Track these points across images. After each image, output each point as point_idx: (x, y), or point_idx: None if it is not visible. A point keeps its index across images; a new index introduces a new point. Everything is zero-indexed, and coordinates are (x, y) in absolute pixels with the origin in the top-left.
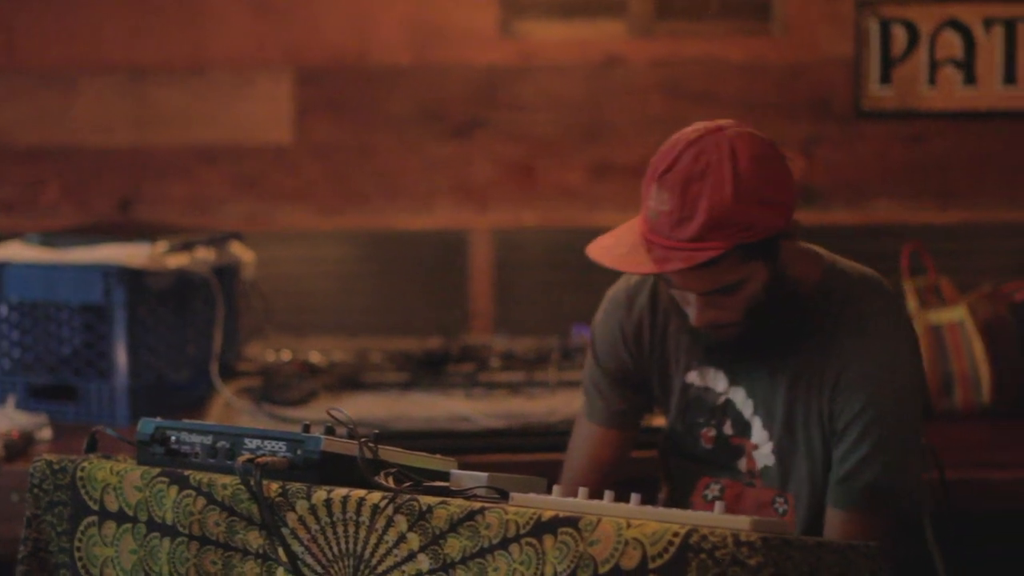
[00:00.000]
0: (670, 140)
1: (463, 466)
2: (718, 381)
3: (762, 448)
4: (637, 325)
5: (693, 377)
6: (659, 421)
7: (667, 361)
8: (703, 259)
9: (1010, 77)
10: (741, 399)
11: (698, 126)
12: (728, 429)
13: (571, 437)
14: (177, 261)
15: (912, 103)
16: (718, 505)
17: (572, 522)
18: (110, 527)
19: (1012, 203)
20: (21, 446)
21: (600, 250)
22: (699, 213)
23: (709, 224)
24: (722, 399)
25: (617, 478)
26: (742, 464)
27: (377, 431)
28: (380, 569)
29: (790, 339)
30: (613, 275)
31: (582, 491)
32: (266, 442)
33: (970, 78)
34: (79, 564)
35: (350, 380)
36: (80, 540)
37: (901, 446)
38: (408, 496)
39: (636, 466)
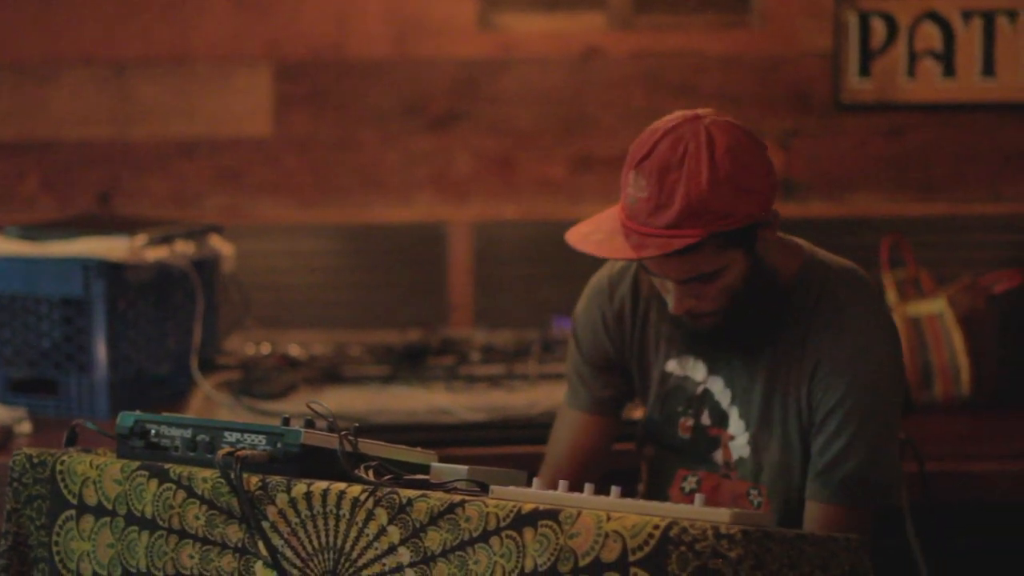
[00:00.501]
0: (649, 128)
1: (443, 459)
2: (697, 370)
3: (738, 439)
4: (618, 313)
5: (672, 366)
6: (639, 414)
7: (647, 349)
8: (679, 246)
9: (989, 69)
10: (719, 389)
11: (676, 115)
12: (706, 419)
13: (553, 426)
14: (157, 254)
15: (891, 96)
16: (698, 498)
17: (552, 515)
18: (88, 521)
19: (991, 195)
20: (1, 440)
21: (579, 236)
22: (676, 200)
23: (686, 212)
24: (700, 389)
25: (599, 468)
26: (718, 455)
27: (357, 424)
28: (360, 563)
29: (769, 329)
30: (593, 267)
31: (562, 484)
32: (246, 435)
33: (949, 70)
34: (56, 559)
35: (330, 373)
36: (58, 534)
37: (879, 438)
38: (388, 489)
39: (617, 459)
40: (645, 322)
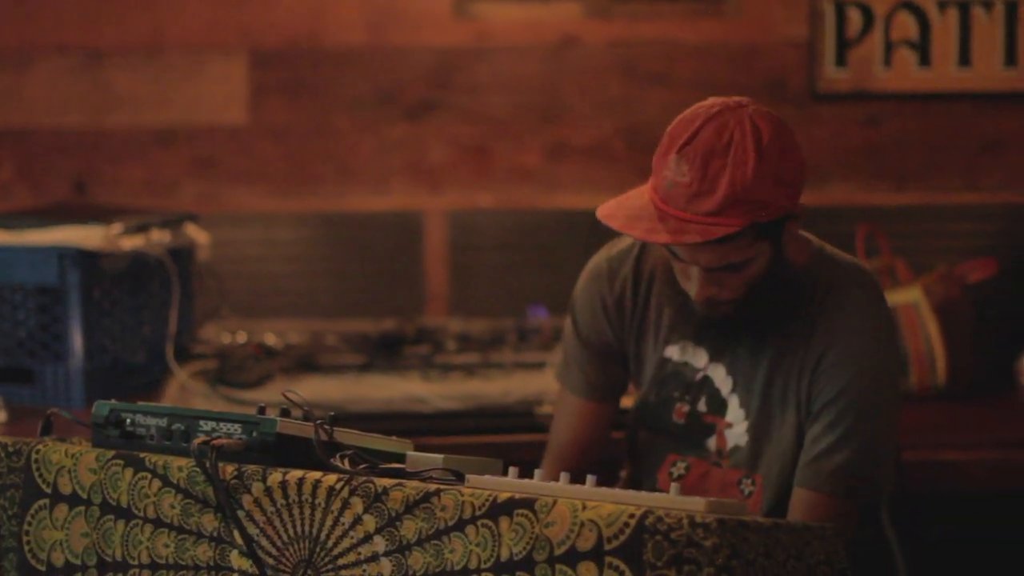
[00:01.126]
0: (688, 112)
1: (419, 448)
2: (698, 357)
3: (736, 427)
4: (619, 297)
5: (672, 351)
6: (628, 402)
7: (646, 333)
8: (720, 234)
9: (965, 59)
10: (721, 377)
11: (715, 101)
12: (702, 406)
13: (555, 412)
14: (132, 243)
15: (867, 85)
16: (673, 487)
17: (528, 504)
18: (61, 510)
19: (967, 185)
20: None
21: (609, 213)
22: (720, 188)
23: (729, 200)
24: (700, 375)
25: (600, 453)
26: (711, 443)
27: (333, 413)
28: (336, 551)
29: (776, 320)
30: (570, 257)
31: (538, 473)
32: (221, 424)
33: (925, 60)
34: (26, 548)
35: (306, 362)
36: (29, 524)
37: (874, 433)
38: (364, 478)
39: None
40: (646, 306)
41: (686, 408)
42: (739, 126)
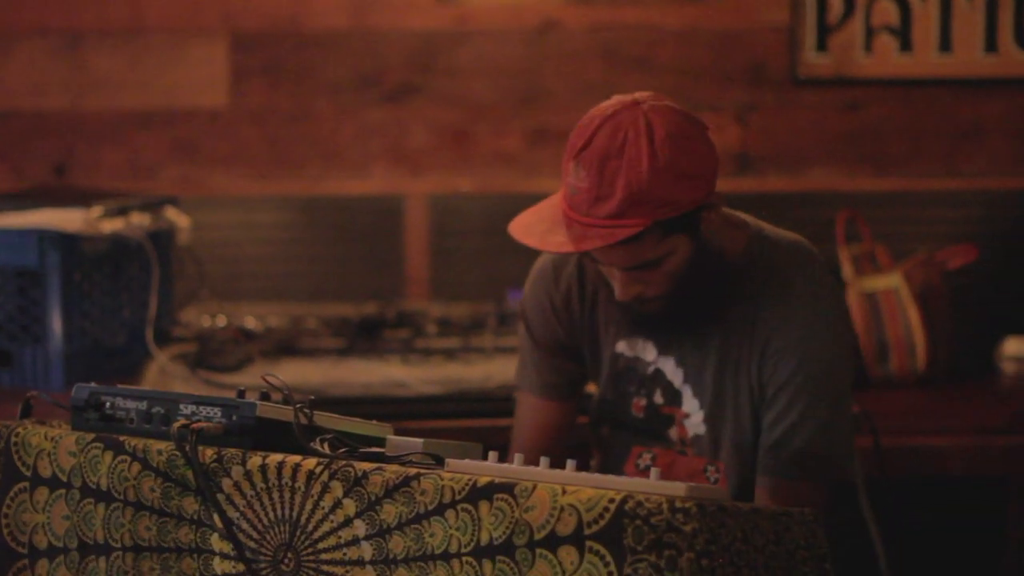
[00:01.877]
0: (587, 116)
1: (399, 432)
2: (647, 351)
3: (693, 417)
4: (565, 296)
5: (622, 347)
6: (593, 388)
7: (597, 330)
8: (621, 236)
9: (946, 45)
10: (671, 368)
11: (614, 101)
12: (658, 398)
13: (515, 411)
14: (112, 226)
15: (848, 71)
16: (653, 472)
17: (507, 488)
18: (42, 493)
19: (947, 171)
20: None
21: (522, 228)
22: (617, 191)
23: (627, 201)
24: (651, 369)
25: (565, 444)
26: (673, 433)
27: (313, 397)
28: (316, 535)
29: (718, 308)
30: None
31: (517, 457)
32: (201, 408)
33: (906, 46)
34: (6, 531)
35: (286, 346)
36: (8, 507)
37: (830, 412)
38: (343, 462)
39: (576, 432)
40: (594, 304)
41: (643, 402)
42: (633, 125)
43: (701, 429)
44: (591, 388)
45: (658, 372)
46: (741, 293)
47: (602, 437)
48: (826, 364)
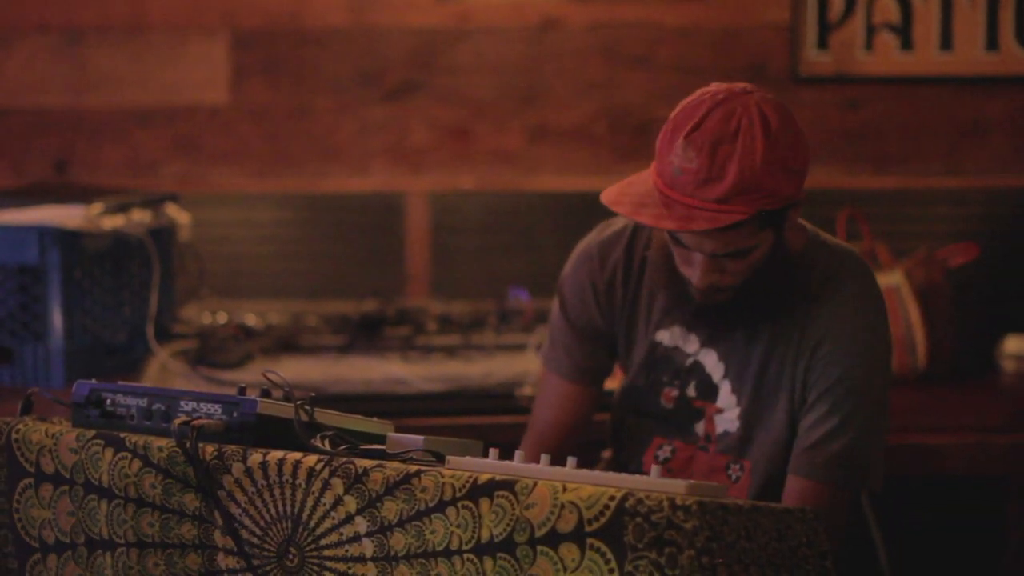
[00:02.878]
0: (693, 98)
1: (400, 429)
2: (689, 342)
3: (727, 413)
4: (610, 281)
5: (663, 336)
6: (613, 384)
7: (636, 317)
8: (728, 222)
9: (946, 43)
10: (712, 362)
11: (720, 87)
12: (692, 391)
13: (537, 393)
14: (113, 223)
15: (849, 68)
16: (654, 469)
17: (508, 485)
18: (47, 489)
19: (948, 169)
20: None
21: (614, 199)
22: (728, 174)
23: (738, 187)
24: (690, 360)
25: (581, 437)
26: (699, 428)
27: (313, 394)
28: (318, 531)
29: (770, 306)
30: (551, 240)
31: (518, 454)
32: (202, 404)
33: (907, 44)
34: (19, 525)
35: (286, 343)
36: (18, 502)
37: (869, 421)
38: (344, 459)
39: (588, 429)
40: (637, 291)
41: (675, 392)
42: (747, 113)
43: (733, 426)
44: (613, 384)
45: (697, 364)
46: (795, 295)
47: (623, 427)
48: (871, 373)
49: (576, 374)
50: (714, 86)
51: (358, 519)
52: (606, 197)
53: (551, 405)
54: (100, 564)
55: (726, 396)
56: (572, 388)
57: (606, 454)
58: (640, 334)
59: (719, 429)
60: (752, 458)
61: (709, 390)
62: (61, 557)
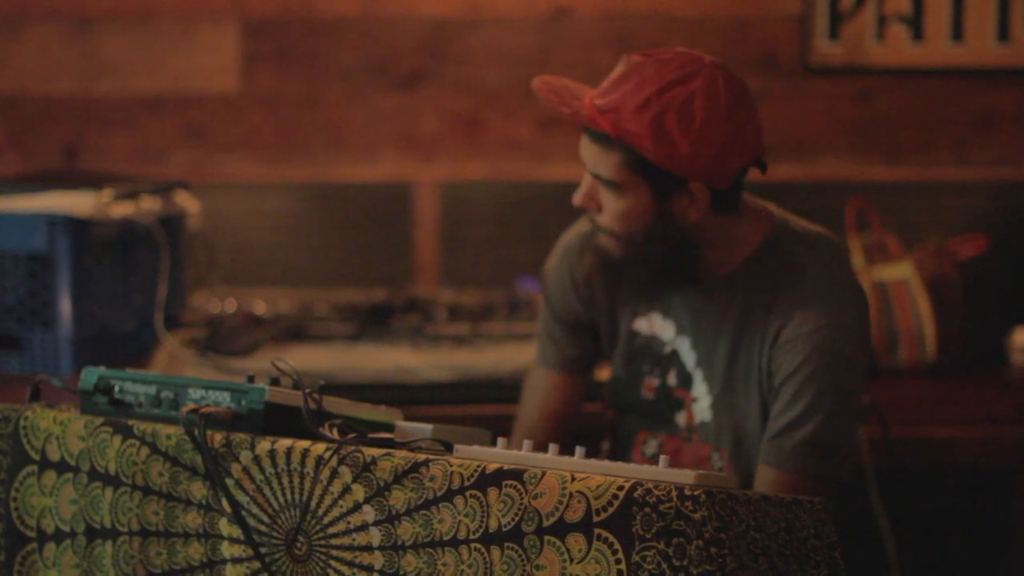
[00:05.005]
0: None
1: (408, 418)
2: (666, 330)
3: (701, 401)
4: (588, 272)
5: (641, 325)
6: (605, 375)
7: (616, 308)
8: (588, 124)
9: (958, 34)
10: (686, 349)
11: (705, 58)
12: (672, 380)
13: (523, 385)
14: (122, 210)
15: (860, 60)
16: (662, 459)
17: (516, 475)
18: (50, 477)
19: (959, 160)
20: None
21: (543, 83)
22: (620, 93)
23: (621, 108)
24: (668, 349)
25: (569, 428)
26: (681, 418)
27: (322, 382)
28: (326, 520)
29: (736, 294)
30: (560, 229)
31: (527, 443)
32: (210, 392)
33: (918, 35)
34: (14, 514)
35: (295, 331)
36: (17, 490)
37: (834, 407)
38: (352, 448)
39: (586, 419)
40: (616, 281)
41: (656, 382)
42: (696, 75)
43: (707, 415)
44: (604, 374)
45: (674, 352)
46: (760, 281)
47: (612, 423)
48: (836, 358)
49: (563, 364)
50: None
51: (366, 508)
52: (537, 80)
53: (538, 397)
54: (99, 554)
55: (699, 384)
56: (559, 377)
57: (605, 446)
58: (620, 324)
59: (697, 419)
60: (725, 447)
61: (686, 378)
62: (60, 546)
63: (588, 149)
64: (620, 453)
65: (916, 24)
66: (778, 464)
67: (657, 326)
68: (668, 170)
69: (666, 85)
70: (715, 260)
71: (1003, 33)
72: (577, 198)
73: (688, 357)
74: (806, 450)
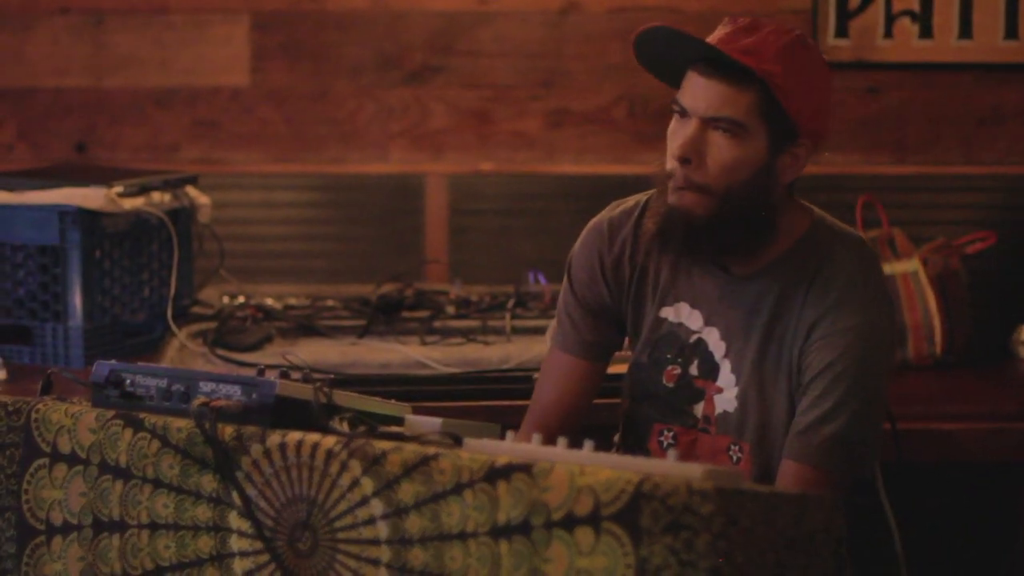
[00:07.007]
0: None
1: (418, 412)
2: (693, 319)
3: (726, 393)
4: (617, 258)
5: (668, 312)
6: (620, 368)
7: (644, 294)
8: (735, 57)
9: (966, 30)
10: (714, 340)
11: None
12: (694, 370)
13: (541, 369)
14: (133, 204)
15: (868, 55)
16: (671, 453)
17: (525, 468)
18: (60, 469)
19: (966, 156)
20: None
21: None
22: (758, 34)
23: (761, 46)
24: (694, 338)
25: (583, 416)
26: (698, 409)
27: (332, 376)
28: (333, 514)
29: (771, 286)
30: (569, 224)
31: (536, 437)
32: (221, 386)
33: (926, 31)
34: (25, 507)
35: (305, 325)
36: (28, 483)
37: (863, 405)
38: (362, 441)
39: (595, 413)
40: (644, 268)
41: (677, 371)
42: (799, 36)
43: (731, 406)
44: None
45: (700, 342)
46: (796, 275)
47: (626, 414)
48: (869, 358)
49: (581, 349)
50: None
51: (374, 501)
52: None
53: (555, 382)
54: (105, 547)
55: (726, 375)
56: (576, 363)
57: (616, 438)
58: (646, 310)
59: (718, 409)
60: (749, 440)
61: (711, 369)
62: (66, 539)
63: (714, 90)
64: (634, 443)
65: (924, 20)
66: (804, 459)
67: (684, 315)
68: (791, 117)
69: (800, 37)
70: (760, 246)
71: (1011, 30)
72: (678, 151)
73: (716, 348)
74: (833, 447)
